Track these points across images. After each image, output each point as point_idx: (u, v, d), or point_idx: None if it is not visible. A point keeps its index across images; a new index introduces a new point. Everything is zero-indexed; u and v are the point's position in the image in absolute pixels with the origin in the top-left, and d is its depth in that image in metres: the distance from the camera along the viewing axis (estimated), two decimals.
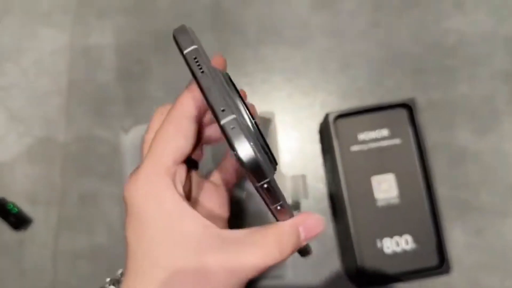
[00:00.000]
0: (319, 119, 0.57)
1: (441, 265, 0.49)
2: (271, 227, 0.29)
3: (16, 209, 0.57)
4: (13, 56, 0.62)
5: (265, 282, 0.54)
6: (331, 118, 0.52)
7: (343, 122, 0.53)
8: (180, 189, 0.29)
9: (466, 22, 0.61)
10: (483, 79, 0.59)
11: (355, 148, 0.52)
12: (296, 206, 0.54)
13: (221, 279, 0.27)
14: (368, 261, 0.50)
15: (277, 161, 0.29)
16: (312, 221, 0.30)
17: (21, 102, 0.61)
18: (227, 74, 0.31)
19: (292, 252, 0.29)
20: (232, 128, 0.24)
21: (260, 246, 0.28)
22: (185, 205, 0.28)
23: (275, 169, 0.28)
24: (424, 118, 0.57)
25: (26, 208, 0.58)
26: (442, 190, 0.55)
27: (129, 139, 0.57)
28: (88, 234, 0.58)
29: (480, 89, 0.59)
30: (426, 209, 0.51)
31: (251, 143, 0.24)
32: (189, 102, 0.30)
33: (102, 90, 0.61)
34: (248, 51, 0.61)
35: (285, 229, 0.29)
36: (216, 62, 0.31)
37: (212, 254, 0.27)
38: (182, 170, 0.31)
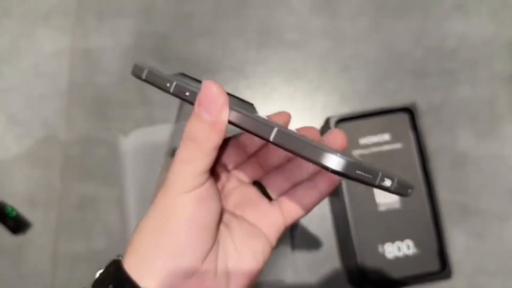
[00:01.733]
0: (320, 121, 0.57)
1: (443, 270, 0.49)
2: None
3: (15, 213, 0.57)
4: (12, 59, 0.62)
5: (266, 283, 0.54)
6: (332, 122, 0.52)
7: (344, 126, 0.52)
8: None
9: (466, 25, 0.60)
10: (484, 82, 0.59)
11: (356, 152, 0.52)
12: None
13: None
14: (369, 266, 0.49)
15: None
16: (206, 94, 0.28)
17: (21, 104, 0.61)
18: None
19: (215, 134, 0.28)
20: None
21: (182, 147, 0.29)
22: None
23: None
24: (425, 121, 0.57)
25: (25, 211, 0.58)
26: (443, 194, 0.55)
27: (128, 142, 0.57)
28: (87, 237, 0.57)
29: (481, 92, 0.59)
30: (427, 214, 0.51)
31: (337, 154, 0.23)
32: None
33: (102, 92, 0.60)
34: (248, 54, 0.60)
35: (189, 120, 0.29)
36: (281, 117, 0.34)
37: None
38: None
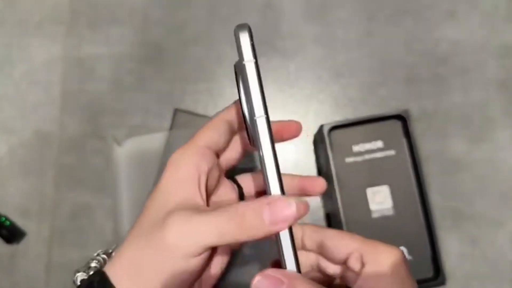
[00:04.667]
0: (313, 129, 0.57)
1: (437, 276, 0.49)
2: (240, 204, 0.29)
3: (9, 222, 0.57)
4: (4, 67, 0.62)
5: None
6: (325, 130, 0.52)
7: (337, 133, 0.53)
8: (203, 168, 0.31)
9: (458, 31, 0.61)
10: (476, 88, 0.59)
11: (350, 159, 0.52)
12: None
13: (177, 240, 0.28)
14: None
15: None
16: (281, 203, 0.27)
17: (13, 113, 0.61)
18: None
19: (256, 235, 0.28)
20: None
21: (219, 216, 0.28)
22: (191, 176, 0.31)
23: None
24: (417, 128, 0.57)
25: (18, 220, 0.58)
26: (436, 200, 0.55)
27: (122, 151, 0.57)
28: (81, 247, 0.57)
29: (473, 97, 0.59)
30: (420, 221, 0.51)
31: None
32: (231, 111, 0.34)
33: (95, 101, 0.60)
34: None
35: (249, 207, 0.28)
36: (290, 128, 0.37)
37: (177, 216, 0.28)
38: (211, 158, 0.32)
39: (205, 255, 0.29)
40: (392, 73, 0.60)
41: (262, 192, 0.37)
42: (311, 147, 0.58)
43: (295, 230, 0.29)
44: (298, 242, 0.34)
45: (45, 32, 0.62)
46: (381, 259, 0.30)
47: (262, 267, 0.52)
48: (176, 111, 0.56)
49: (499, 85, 0.59)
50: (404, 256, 0.30)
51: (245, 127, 0.30)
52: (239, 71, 0.29)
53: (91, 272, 0.31)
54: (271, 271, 0.28)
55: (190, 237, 0.28)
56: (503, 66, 0.59)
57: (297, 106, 0.59)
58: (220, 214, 0.28)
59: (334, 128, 0.52)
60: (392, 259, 0.30)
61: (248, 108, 0.29)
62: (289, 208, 0.27)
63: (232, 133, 0.35)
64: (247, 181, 0.37)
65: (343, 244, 0.32)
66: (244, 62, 0.29)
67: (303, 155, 0.58)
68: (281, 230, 0.28)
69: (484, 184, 0.57)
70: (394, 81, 0.60)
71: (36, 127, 0.60)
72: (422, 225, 0.51)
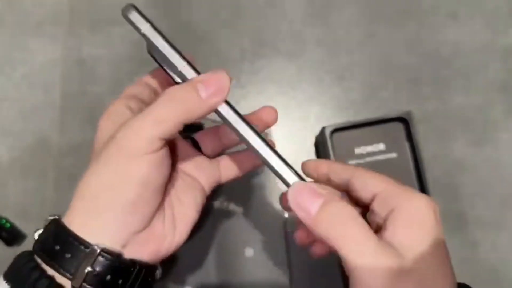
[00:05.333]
0: (315, 131, 0.57)
1: None
2: (171, 88, 0.30)
3: (9, 224, 0.56)
4: (4, 69, 0.61)
5: None
6: (327, 132, 0.52)
7: (339, 136, 0.52)
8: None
9: (461, 33, 0.60)
10: (478, 90, 0.59)
11: (351, 162, 0.52)
12: None
13: (126, 142, 0.29)
14: None
15: None
16: (213, 77, 0.30)
17: (13, 115, 0.60)
18: None
19: (196, 113, 0.29)
20: None
21: (156, 105, 0.29)
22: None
23: None
24: (420, 130, 0.57)
25: (19, 222, 0.58)
26: (438, 203, 0.55)
27: None
28: None
29: (476, 100, 0.59)
30: None
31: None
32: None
33: (95, 102, 0.60)
34: (243, 64, 0.60)
35: (183, 87, 0.30)
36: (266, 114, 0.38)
37: (120, 130, 0.30)
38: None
39: (161, 153, 0.29)
40: (394, 75, 0.60)
41: (219, 150, 0.39)
42: (312, 150, 0.58)
43: (321, 165, 0.33)
44: (323, 178, 0.34)
45: (45, 33, 0.62)
46: (412, 205, 0.28)
47: (265, 270, 0.52)
48: None
49: (502, 87, 0.59)
50: (437, 206, 0.29)
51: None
52: (148, 46, 0.32)
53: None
54: (309, 184, 0.28)
55: (135, 134, 0.28)
56: (506, 68, 0.59)
57: (298, 109, 0.59)
58: (156, 104, 0.29)
59: (336, 130, 0.52)
60: (425, 208, 0.28)
61: (172, 70, 0.31)
62: (222, 78, 0.30)
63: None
64: (203, 139, 0.38)
65: (371, 183, 0.30)
66: (142, 31, 0.32)
67: (305, 158, 0.58)
68: (219, 104, 0.30)
69: (486, 187, 0.57)
70: (396, 83, 0.59)
71: (36, 129, 0.60)
72: None
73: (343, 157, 0.52)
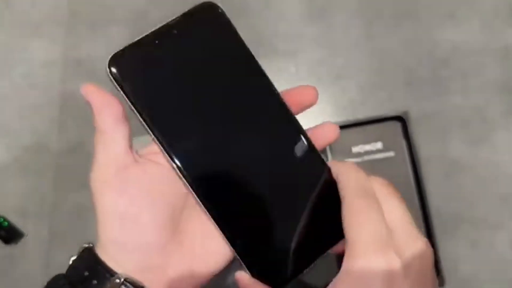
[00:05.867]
0: None
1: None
2: None
3: (7, 223, 0.57)
4: (4, 69, 0.62)
5: None
6: None
7: None
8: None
9: (458, 33, 0.61)
10: (475, 90, 0.59)
11: (349, 160, 0.52)
12: None
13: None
14: None
15: None
16: None
17: (12, 114, 0.60)
18: None
19: None
20: None
21: None
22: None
23: None
24: (417, 129, 0.57)
25: (17, 221, 0.58)
26: (435, 202, 0.55)
27: None
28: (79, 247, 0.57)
29: (473, 99, 0.59)
30: (419, 222, 0.51)
31: None
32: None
33: None
34: None
35: None
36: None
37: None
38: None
39: None
40: (392, 75, 0.60)
41: None
42: None
43: None
44: None
45: (44, 33, 0.62)
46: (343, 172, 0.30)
47: None
48: None
49: (499, 87, 0.59)
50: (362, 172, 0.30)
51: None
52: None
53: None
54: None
55: None
56: (503, 68, 0.59)
57: None
58: None
59: None
60: (353, 173, 0.29)
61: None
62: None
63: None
64: None
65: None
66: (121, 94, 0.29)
67: None
68: None
69: (483, 186, 0.57)
70: (394, 83, 0.60)
71: (35, 128, 0.60)
72: (421, 227, 0.51)
73: (341, 156, 0.52)
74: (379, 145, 0.52)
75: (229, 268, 0.46)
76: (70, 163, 0.59)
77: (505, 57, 0.60)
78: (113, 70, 0.29)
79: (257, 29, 0.61)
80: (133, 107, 0.28)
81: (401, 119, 0.52)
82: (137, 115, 0.28)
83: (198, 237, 0.31)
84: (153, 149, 0.31)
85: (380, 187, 0.29)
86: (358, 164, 0.51)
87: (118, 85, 0.29)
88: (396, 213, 0.28)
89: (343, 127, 0.53)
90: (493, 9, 0.61)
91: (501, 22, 0.61)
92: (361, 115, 0.57)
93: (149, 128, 0.29)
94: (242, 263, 0.29)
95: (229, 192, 0.28)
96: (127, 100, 0.28)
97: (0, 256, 0.57)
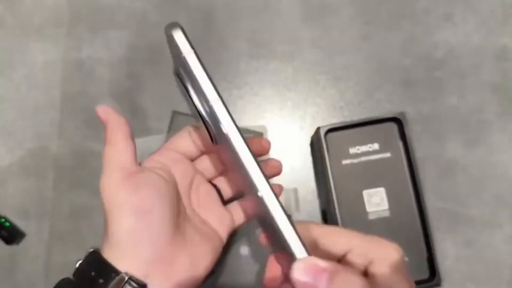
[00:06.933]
0: (310, 131, 0.58)
1: (433, 277, 0.50)
2: None
3: (9, 223, 0.57)
4: (5, 70, 0.62)
5: None
6: (322, 132, 0.52)
7: (334, 136, 0.53)
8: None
9: (455, 35, 0.61)
10: (472, 91, 0.60)
11: (346, 161, 0.53)
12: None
13: None
14: None
15: None
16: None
17: (13, 115, 0.61)
18: None
19: None
20: None
21: None
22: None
23: None
24: (414, 130, 0.57)
25: (18, 222, 0.58)
26: (432, 202, 0.56)
27: None
28: (80, 247, 0.57)
29: (469, 100, 0.59)
30: (416, 222, 0.51)
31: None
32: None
33: (95, 103, 0.61)
34: (239, 65, 0.61)
35: None
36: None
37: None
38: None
39: None
40: (388, 76, 0.60)
41: (238, 191, 0.40)
42: (308, 150, 0.59)
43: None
44: None
45: (45, 35, 0.63)
46: (390, 256, 0.31)
47: (258, 267, 0.53)
48: (175, 114, 0.56)
49: (495, 88, 0.59)
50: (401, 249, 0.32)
51: (205, 128, 0.32)
52: (182, 67, 0.30)
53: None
54: (310, 260, 0.28)
55: None
56: (499, 69, 0.60)
57: (294, 109, 0.60)
58: None
59: (331, 130, 0.53)
60: (399, 256, 0.31)
61: (202, 102, 0.30)
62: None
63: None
64: (224, 183, 0.40)
65: (341, 241, 0.32)
66: (183, 55, 0.30)
67: (300, 158, 0.59)
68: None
69: (479, 186, 0.57)
70: (391, 84, 0.60)
71: (36, 129, 0.61)
72: (418, 227, 0.51)
73: (338, 157, 0.53)
74: (375, 146, 0.53)
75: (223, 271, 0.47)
76: (70, 164, 0.60)
77: (502, 58, 0.60)
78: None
79: (255, 31, 0.62)
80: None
81: (397, 120, 0.53)
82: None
83: (197, 235, 0.35)
84: (152, 164, 0.36)
85: None
86: (355, 165, 0.52)
87: (192, 48, 0.31)
88: None
89: (340, 128, 0.53)
90: (489, 10, 0.62)
91: (497, 23, 0.61)
92: (358, 116, 0.57)
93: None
94: None
95: None
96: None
97: (1, 256, 0.58)
